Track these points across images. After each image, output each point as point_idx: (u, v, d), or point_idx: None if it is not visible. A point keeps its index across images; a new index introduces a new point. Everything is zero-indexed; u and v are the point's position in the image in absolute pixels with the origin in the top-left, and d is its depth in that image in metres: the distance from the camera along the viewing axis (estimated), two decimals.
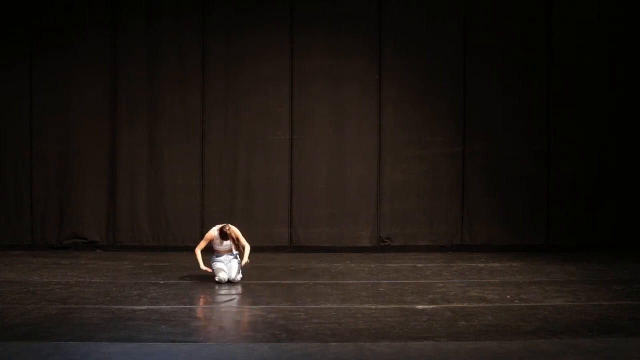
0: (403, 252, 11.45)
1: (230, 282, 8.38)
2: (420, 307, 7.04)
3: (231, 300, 7.60)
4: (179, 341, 5.64)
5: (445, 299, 7.46)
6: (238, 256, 8.52)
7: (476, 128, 11.74)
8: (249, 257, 8.47)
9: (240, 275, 8.48)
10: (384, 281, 8.71)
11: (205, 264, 8.51)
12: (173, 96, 11.66)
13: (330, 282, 8.63)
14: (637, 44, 11.78)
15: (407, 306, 7.08)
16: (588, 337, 5.77)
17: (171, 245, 11.52)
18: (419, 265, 10.13)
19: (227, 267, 8.44)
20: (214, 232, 8.44)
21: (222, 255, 8.48)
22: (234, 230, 8.42)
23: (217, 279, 8.38)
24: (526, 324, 6.25)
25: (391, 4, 11.71)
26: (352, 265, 10.11)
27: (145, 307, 6.97)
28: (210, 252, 8.59)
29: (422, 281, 8.71)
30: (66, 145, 11.60)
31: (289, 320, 6.41)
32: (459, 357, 5.20)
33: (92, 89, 11.58)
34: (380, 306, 7.08)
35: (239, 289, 8.13)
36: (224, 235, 8.29)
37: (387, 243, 11.68)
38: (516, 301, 7.38)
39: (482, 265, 10.13)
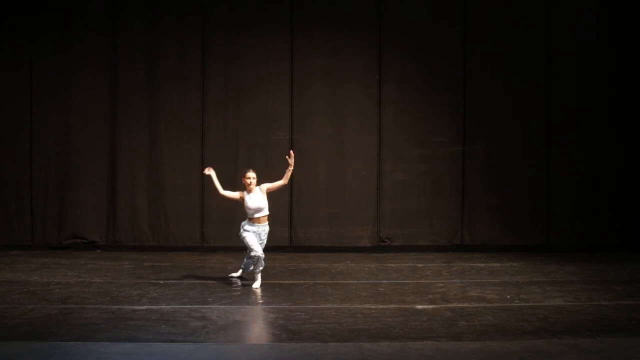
0: (403, 252, 11.46)
1: (239, 278, 8.39)
2: (420, 307, 7.04)
3: (231, 300, 7.60)
4: (179, 341, 5.64)
5: (445, 299, 7.46)
6: (267, 234, 8.35)
7: (476, 128, 11.75)
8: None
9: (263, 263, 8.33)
10: (384, 281, 8.71)
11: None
12: (173, 96, 11.66)
13: (330, 282, 8.63)
14: (637, 44, 11.79)
15: (407, 306, 7.08)
16: (588, 337, 5.77)
17: (171, 245, 11.53)
18: (419, 265, 10.13)
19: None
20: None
21: (254, 225, 8.27)
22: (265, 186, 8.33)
23: (252, 254, 8.14)
24: (526, 324, 6.25)
25: (391, 4, 11.72)
26: (352, 265, 10.11)
27: (145, 307, 6.97)
28: (243, 216, 8.49)
29: (422, 281, 8.71)
30: (66, 145, 11.61)
31: (289, 320, 6.41)
32: (459, 357, 5.20)
33: (92, 89, 11.59)
34: (380, 306, 7.08)
35: (238, 289, 8.13)
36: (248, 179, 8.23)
37: (387, 243, 11.69)
38: (516, 301, 7.38)
39: (482, 265, 10.14)
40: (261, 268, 8.25)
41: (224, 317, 6.55)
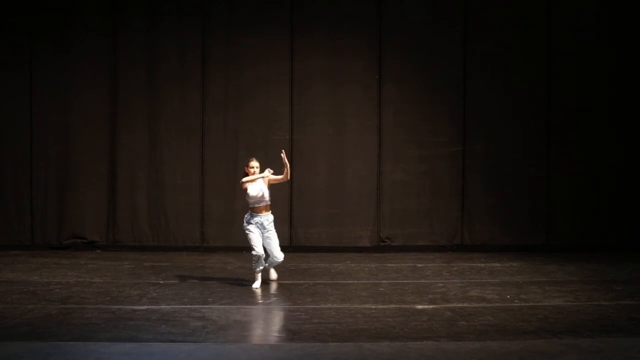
0: (403, 252, 11.46)
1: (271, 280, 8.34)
2: (420, 307, 7.04)
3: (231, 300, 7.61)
4: (179, 341, 5.64)
5: (445, 299, 7.46)
6: (272, 223, 8.25)
7: (476, 128, 11.75)
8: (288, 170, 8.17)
9: (282, 255, 8.27)
10: (384, 281, 8.71)
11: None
12: (173, 96, 11.66)
13: (330, 282, 8.63)
14: (637, 44, 11.79)
15: (407, 306, 7.08)
16: (588, 337, 5.77)
17: (171, 245, 11.53)
18: (419, 265, 10.13)
19: (266, 242, 8.17)
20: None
21: (256, 216, 8.19)
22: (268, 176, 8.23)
23: (253, 252, 8.10)
24: (526, 324, 6.25)
25: (391, 4, 11.72)
26: (352, 265, 10.11)
27: (145, 307, 6.97)
28: (242, 214, 8.43)
29: (422, 281, 8.70)
30: (66, 145, 11.61)
31: (289, 320, 6.41)
32: (459, 357, 5.20)
33: (92, 89, 11.58)
34: (380, 306, 7.08)
35: (239, 289, 8.13)
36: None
37: (387, 243, 11.69)
38: (516, 301, 7.38)
39: (482, 265, 10.14)
40: (261, 268, 8.23)
41: (224, 317, 6.55)
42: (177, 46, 11.66)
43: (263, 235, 8.23)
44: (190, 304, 7.14)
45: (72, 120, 11.61)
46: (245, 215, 8.33)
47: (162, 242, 11.58)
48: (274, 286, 8.28)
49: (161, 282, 8.52)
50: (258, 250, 8.09)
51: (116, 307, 6.97)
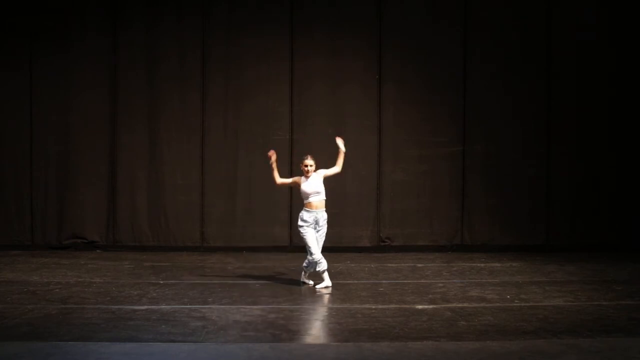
0: (403, 252, 11.46)
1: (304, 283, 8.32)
2: (420, 307, 7.04)
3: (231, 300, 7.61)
4: (179, 341, 5.64)
5: (445, 299, 7.46)
6: (326, 220, 8.16)
7: (476, 128, 11.75)
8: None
9: (320, 256, 8.10)
10: (384, 281, 8.71)
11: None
12: (173, 96, 11.66)
13: (331, 282, 8.61)
14: (637, 44, 11.79)
15: (407, 306, 7.08)
16: (588, 337, 5.77)
17: (171, 245, 11.53)
18: (419, 265, 10.13)
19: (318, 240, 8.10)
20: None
21: (311, 212, 8.07)
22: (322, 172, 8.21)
23: (310, 258, 8.03)
24: (526, 324, 6.25)
25: (391, 4, 11.72)
26: (352, 265, 10.11)
27: (145, 307, 6.97)
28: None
29: (422, 281, 8.71)
30: (66, 145, 11.61)
31: (289, 320, 6.41)
32: (459, 357, 5.20)
33: (92, 89, 11.59)
34: (380, 306, 7.08)
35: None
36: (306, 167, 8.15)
37: (387, 243, 11.69)
38: (516, 301, 7.38)
39: (482, 265, 10.14)
40: (325, 268, 8.09)
41: (224, 317, 6.55)
42: (177, 46, 11.66)
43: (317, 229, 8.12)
44: (190, 304, 7.14)
45: (72, 120, 11.61)
46: (300, 213, 8.20)
47: (162, 242, 11.57)
48: (273, 286, 8.27)
49: (161, 282, 8.52)
50: (316, 255, 8.00)
51: (116, 307, 6.96)
